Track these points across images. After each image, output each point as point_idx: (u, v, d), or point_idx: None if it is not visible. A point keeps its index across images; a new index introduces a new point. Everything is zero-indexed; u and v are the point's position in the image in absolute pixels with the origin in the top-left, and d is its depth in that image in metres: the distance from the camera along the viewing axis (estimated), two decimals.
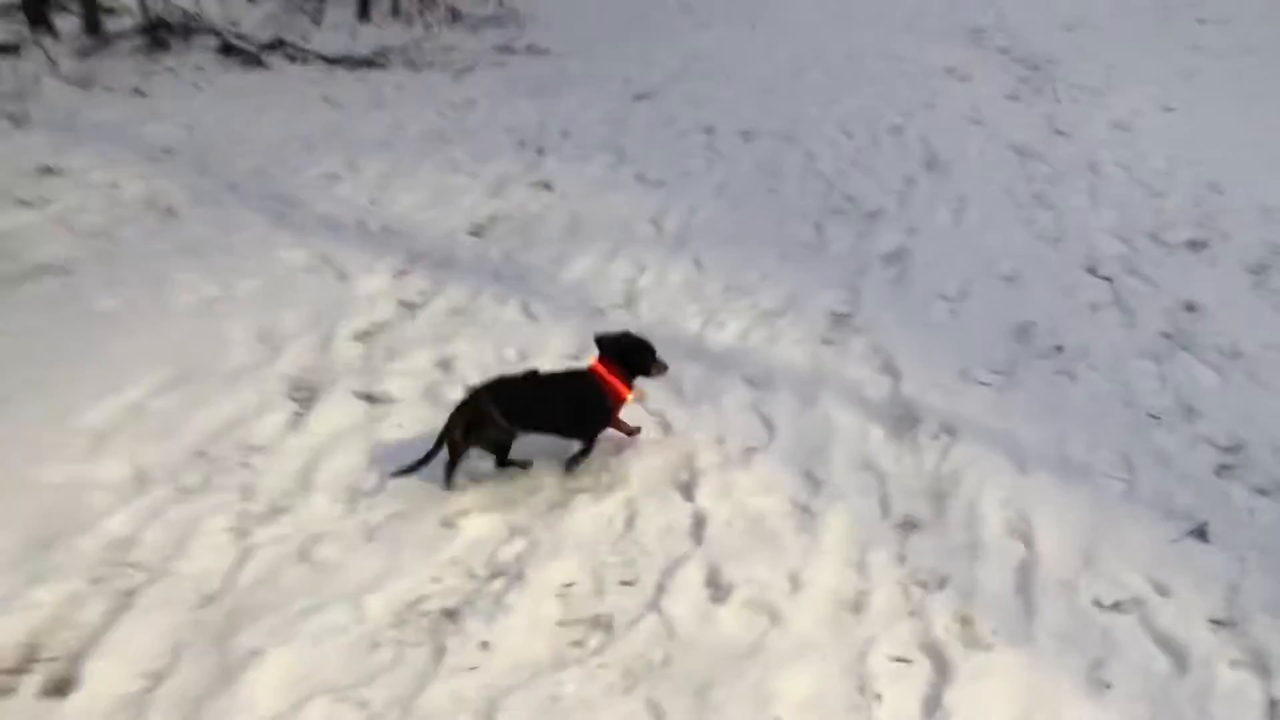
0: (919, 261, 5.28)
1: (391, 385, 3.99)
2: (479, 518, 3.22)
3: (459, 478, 3.37)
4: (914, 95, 8.43)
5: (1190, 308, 4.70)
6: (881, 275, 5.16)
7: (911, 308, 4.78)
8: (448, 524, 3.19)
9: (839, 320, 4.66)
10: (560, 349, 4.28)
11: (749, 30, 11.03)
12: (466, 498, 3.33)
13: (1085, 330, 4.53)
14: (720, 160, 6.94)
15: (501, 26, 10.89)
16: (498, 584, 2.92)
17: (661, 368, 3.57)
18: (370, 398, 3.91)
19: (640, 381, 3.58)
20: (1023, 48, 10.13)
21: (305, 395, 3.91)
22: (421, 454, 3.31)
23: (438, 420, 3.39)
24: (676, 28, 11.12)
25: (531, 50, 10.02)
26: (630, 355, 3.51)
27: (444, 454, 3.34)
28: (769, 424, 3.77)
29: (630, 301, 4.84)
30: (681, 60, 9.58)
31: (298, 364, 4.12)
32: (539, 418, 3.41)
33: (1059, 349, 4.35)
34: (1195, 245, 5.45)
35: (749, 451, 3.60)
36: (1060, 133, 7.43)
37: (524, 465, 3.49)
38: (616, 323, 4.32)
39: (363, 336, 4.38)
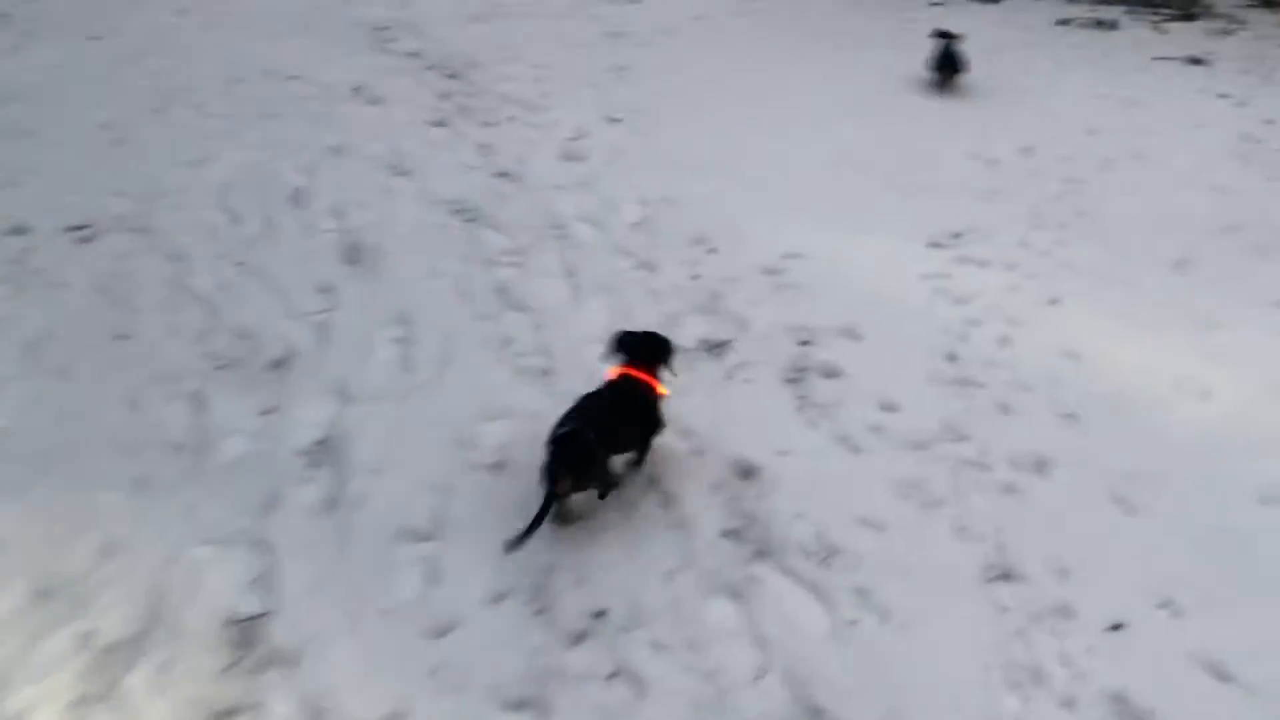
0: (362, 459, 3.58)
1: None
2: None
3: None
4: (316, 135, 6.59)
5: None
6: (305, 502, 3.38)
7: (360, 578, 3.08)
8: None
9: (243, 636, 2.82)
10: None
11: (94, 45, 8.29)
12: None
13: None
14: (36, 290, 4.58)
15: None
16: None
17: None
18: None
19: None
20: (437, 49, 8.70)
21: None
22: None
23: None
24: None
25: None
26: (661, 352, 3.47)
27: None
28: None
29: None
30: None
31: None
32: (624, 438, 3.30)
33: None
34: (717, 349, 4.43)
35: None
36: (506, 175, 6.11)
37: (615, 484, 3.30)
38: None
39: None
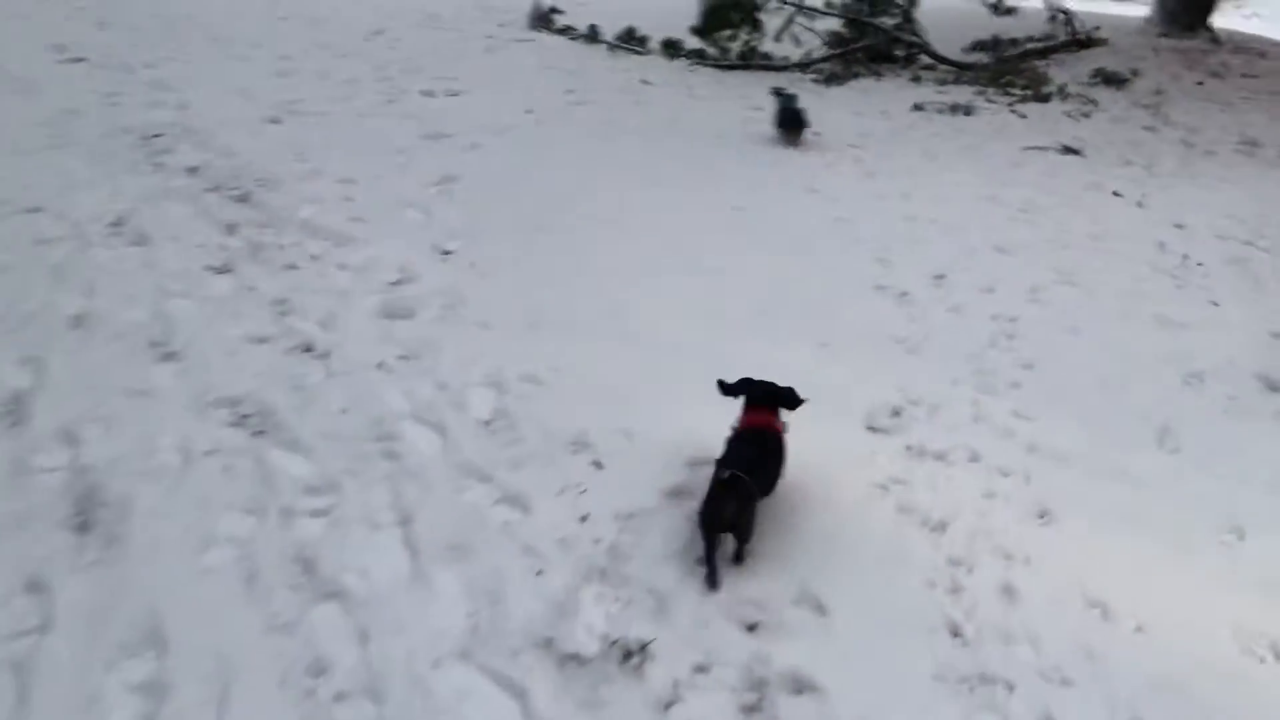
0: None
1: None
2: None
3: None
4: (54, 299, 4.91)
5: None
6: None
7: None
8: None
9: None
10: None
11: None
12: None
13: None
14: None
15: None
16: None
17: None
18: None
19: None
20: (222, 163, 7.09)
21: None
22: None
23: None
24: None
25: None
26: (787, 399, 3.65)
27: None
28: None
29: None
30: None
31: None
32: (766, 480, 3.41)
33: None
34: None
35: None
36: (310, 350, 4.61)
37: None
38: None
39: None
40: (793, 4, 11.74)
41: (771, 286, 5.53)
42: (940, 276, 5.78)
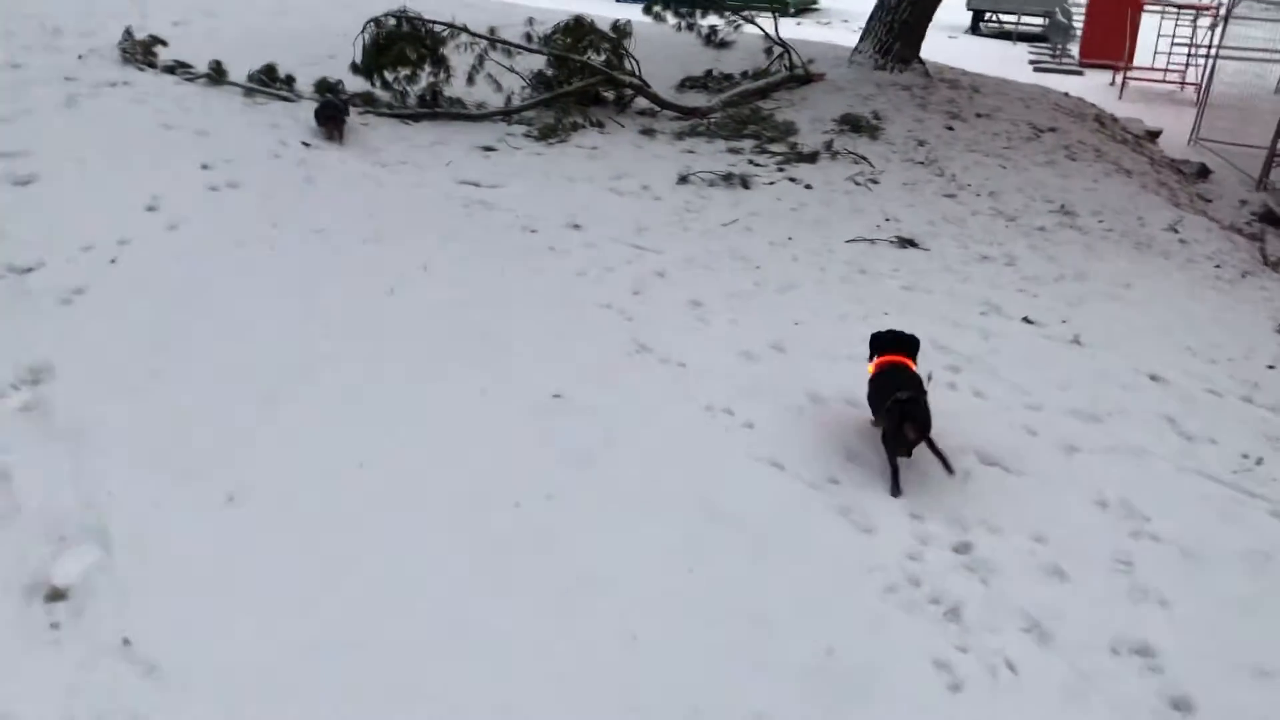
0: None
1: None
2: None
3: None
4: None
5: None
6: None
7: None
8: None
9: None
10: None
11: None
12: None
13: None
14: None
15: None
16: None
17: None
18: None
19: None
20: None
21: None
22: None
23: None
24: None
25: None
26: (912, 344, 4.13)
27: None
28: None
29: None
30: None
31: None
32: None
33: None
34: None
35: None
36: None
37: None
38: None
39: None
40: (484, 37, 8.97)
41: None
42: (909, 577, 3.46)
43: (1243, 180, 11.78)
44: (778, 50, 10.98)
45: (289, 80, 8.57)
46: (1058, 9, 25.01)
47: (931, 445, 3.68)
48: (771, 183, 7.79)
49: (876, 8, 11.68)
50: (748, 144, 8.79)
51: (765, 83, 10.65)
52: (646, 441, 4.02)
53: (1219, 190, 11.10)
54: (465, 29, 8.70)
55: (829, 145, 8.65)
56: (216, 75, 8.42)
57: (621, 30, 9.56)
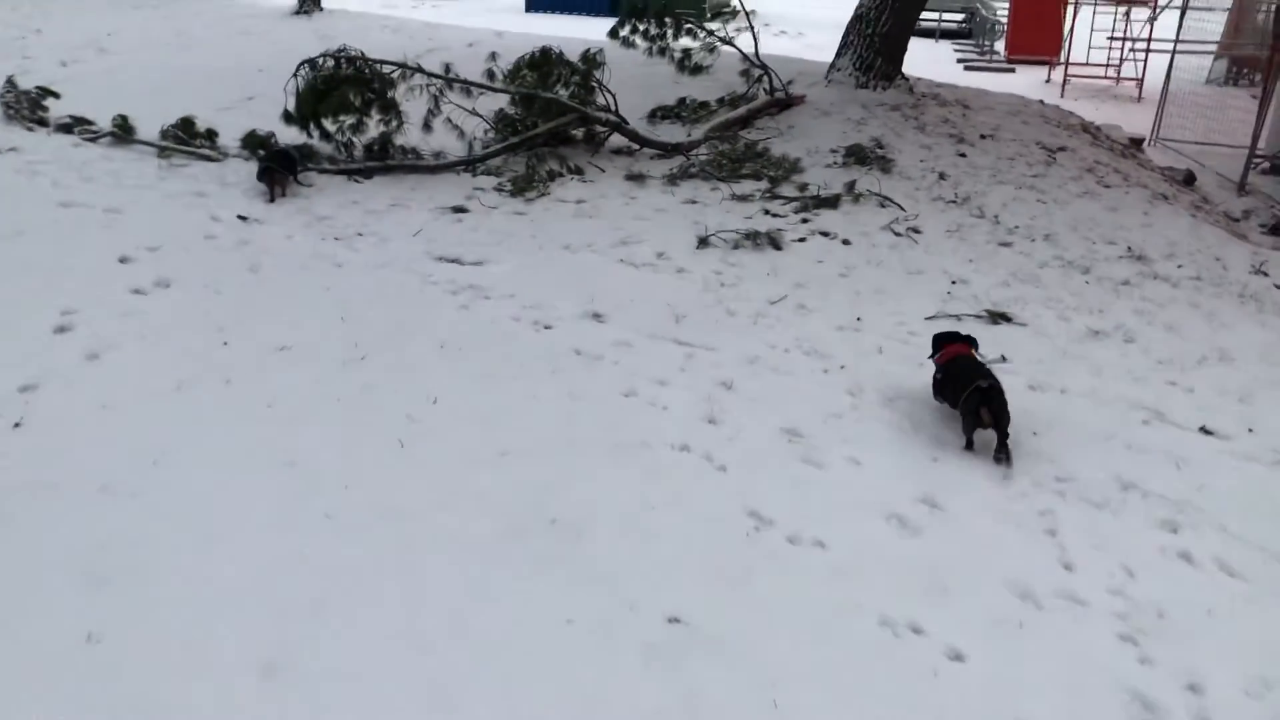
0: None
1: None
2: None
3: None
4: None
5: None
6: None
7: None
8: None
9: None
10: None
11: None
12: None
13: None
14: None
15: None
16: None
17: None
18: None
19: None
20: None
21: None
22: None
23: None
24: None
25: None
26: (971, 339, 4.46)
27: None
28: None
29: None
30: None
31: None
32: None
33: None
34: None
35: None
36: None
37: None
38: None
39: None
40: (440, 76, 7.58)
41: None
42: None
43: (1221, 183, 11.13)
44: (756, 73, 9.83)
45: (210, 135, 7.06)
46: (978, 4, 24.60)
47: (1004, 437, 3.90)
48: (802, 239, 6.63)
49: (853, 20, 10.64)
50: (751, 186, 7.63)
51: (746, 110, 9.52)
52: (815, 698, 2.79)
53: (1212, 198, 10.39)
54: (420, 68, 7.31)
55: (851, 187, 7.53)
56: (123, 132, 6.87)
57: (592, 61, 8.29)
